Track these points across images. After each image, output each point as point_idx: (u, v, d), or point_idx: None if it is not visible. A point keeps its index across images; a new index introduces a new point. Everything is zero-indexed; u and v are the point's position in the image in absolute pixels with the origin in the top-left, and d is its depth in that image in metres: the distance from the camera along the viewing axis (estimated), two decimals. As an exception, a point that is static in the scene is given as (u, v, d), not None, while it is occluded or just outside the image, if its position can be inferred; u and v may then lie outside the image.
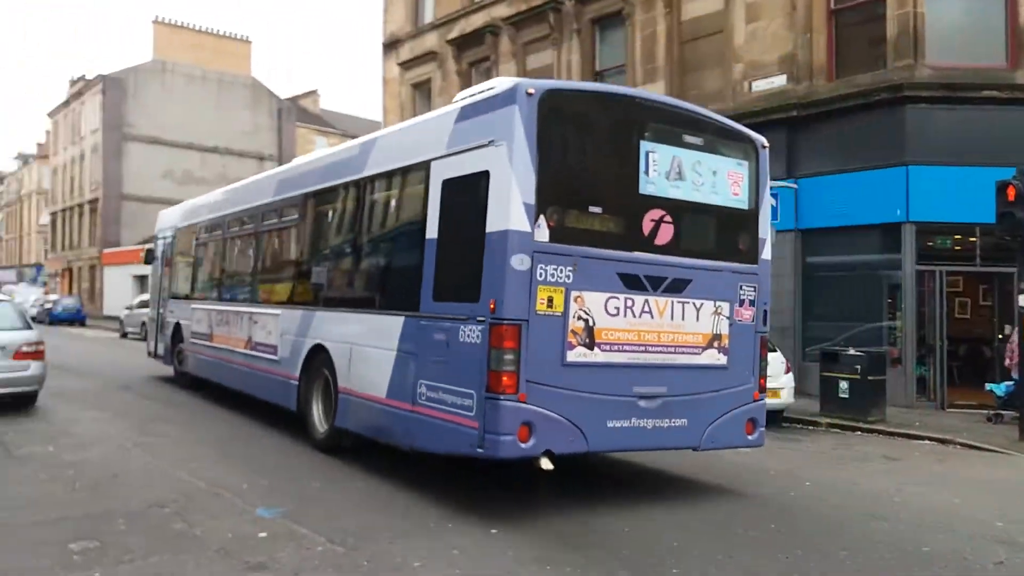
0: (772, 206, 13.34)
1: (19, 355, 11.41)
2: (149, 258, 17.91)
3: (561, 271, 7.25)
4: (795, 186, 16.53)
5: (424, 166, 8.23)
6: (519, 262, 6.99)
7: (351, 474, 8.49)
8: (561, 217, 7.31)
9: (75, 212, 57.92)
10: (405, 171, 8.76)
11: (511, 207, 6.98)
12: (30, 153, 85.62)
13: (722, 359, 8.33)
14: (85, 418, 11.64)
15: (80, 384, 15.21)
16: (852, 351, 13.76)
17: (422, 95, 25.94)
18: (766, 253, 8.71)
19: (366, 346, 8.94)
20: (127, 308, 32.41)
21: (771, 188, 12.14)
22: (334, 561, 6.04)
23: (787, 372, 13.65)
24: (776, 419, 13.52)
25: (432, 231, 8.02)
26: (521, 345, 7.05)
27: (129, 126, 52.37)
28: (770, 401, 13.18)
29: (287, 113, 58.37)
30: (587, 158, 7.64)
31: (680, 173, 7.94)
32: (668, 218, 7.86)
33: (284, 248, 11.55)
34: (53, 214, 63.75)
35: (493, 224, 7.18)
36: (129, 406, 13.05)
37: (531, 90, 7.22)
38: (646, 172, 7.76)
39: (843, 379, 13.46)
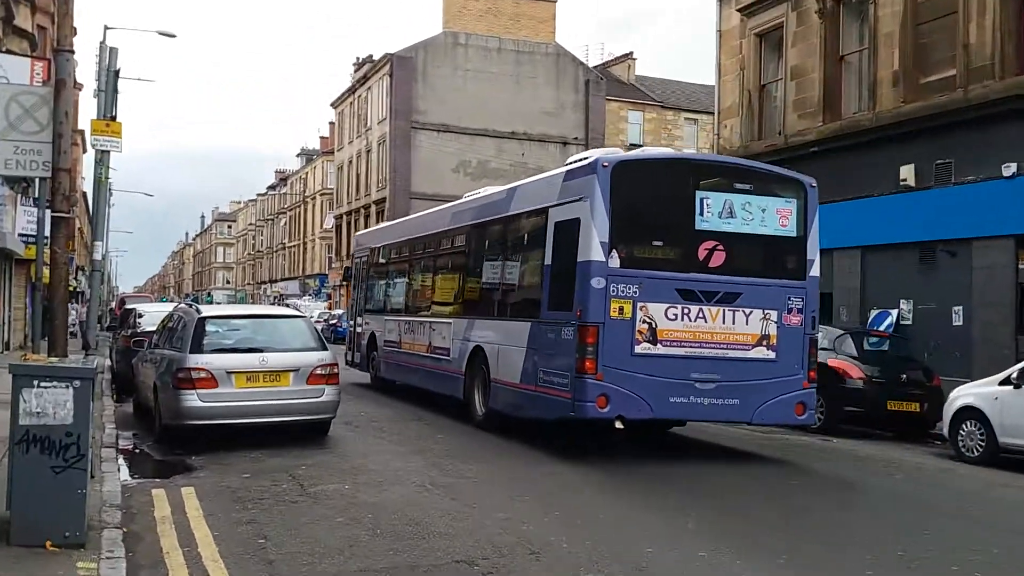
0: None
1: (314, 379, 12.02)
2: (347, 276, 25.38)
3: (630, 288, 11.83)
4: None
5: (544, 211, 13.36)
6: (597, 283, 11.63)
7: (674, 542, 8.65)
8: (630, 250, 12.03)
9: (360, 214, 59.02)
10: (533, 213, 13.97)
11: (592, 244, 11.69)
12: (313, 149, 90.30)
13: (771, 354, 12.45)
14: (380, 451, 12.12)
15: (372, 409, 15.87)
16: None
17: (770, 47, 25.41)
18: (814, 271, 12.96)
19: (508, 345, 13.66)
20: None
21: None
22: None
23: None
24: None
25: (548, 259, 12.95)
26: (599, 340, 11.59)
27: (418, 113, 53.66)
28: None
29: (595, 85, 56.69)
30: (651, 206, 12.50)
31: (731, 212, 12.47)
32: (720, 247, 12.38)
33: (454, 268, 16.79)
34: (338, 217, 65.84)
35: (581, 256, 11.97)
36: (423, 438, 13.46)
37: (606, 163, 12.05)
38: (701, 213, 12.40)
39: None
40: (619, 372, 11.72)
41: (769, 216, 13.22)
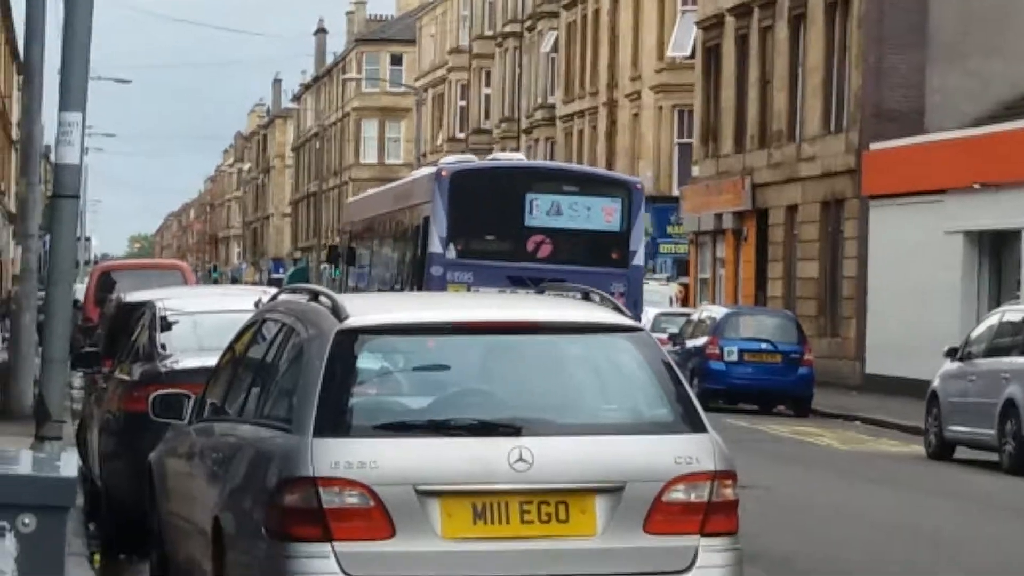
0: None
1: (665, 517, 11.21)
2: (331, 258, 42.21)
3: (464, 275, 33.43)
4: None
5: (421, 206, 35.69)
6: (436, 271, 33.88)
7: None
8: (466, 243, 34.34)
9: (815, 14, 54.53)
10: (418, 206, 35.88)
11: (434, 239, 34.31)
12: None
13: None
14: None
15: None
16: None
17: None
18: (637, 260, 33.77)
19: None
20: (954, 355, 31.72)
21: None
22: None
23: None
24: None
25: (420, 250, 35.64)
26: None
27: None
28: None
29: None
30: (485, 207, 35.19)
31: (559, 210, 33.72)
32: (547, 240, 33.51)
33: (394, 260, 37.93)
34: (708, 25, 62.22)
35: (428, 248, 34.70)
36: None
37: (444, 172, 35.26)
38: (530, 212, 33.65)
39: None
40: None
41: (595, 213, 30.20)
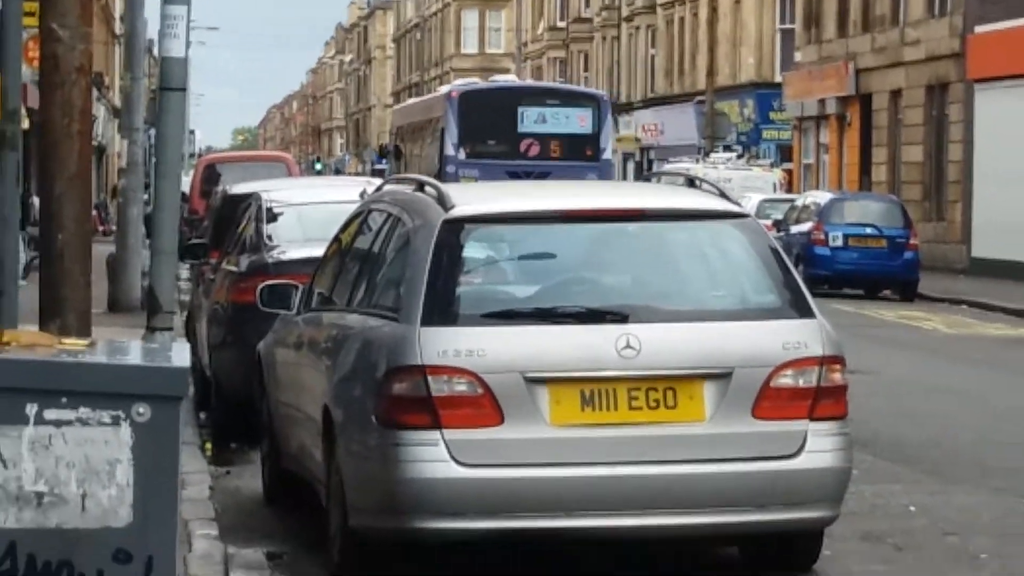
0: None
1: (774, 402, 10.64)
2: (384, 153, 63.00)
3: (473, 171, 52.64)
4: None
5: (438, 119, 57.00)
6: (451, 168, 54.49)
7: None
8: (473, 147, 55.75)
9: None
10: (438, 119, 55.11)
11: (448, 144, 56.40)
12: None
13: None
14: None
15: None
16: None
17: None
18: (606, 156, 54.08)
19: None
20: None
21: None
22: None
23: None
24: None
25: (438, 152, 58.04)
26: None
27: None
28: None
29: None
30: (487, 119, 57.46)
31: (544, 119, 55.45)
32: (535, 143, 54.62)
33: (420, 153, 54.10)
34: None
35: (445, 151, 58.35)
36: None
37: (454, 93, 57.99)
38: (522, 121, 54.90)
39: None
40: None
41: (571, 120, 44.46)
